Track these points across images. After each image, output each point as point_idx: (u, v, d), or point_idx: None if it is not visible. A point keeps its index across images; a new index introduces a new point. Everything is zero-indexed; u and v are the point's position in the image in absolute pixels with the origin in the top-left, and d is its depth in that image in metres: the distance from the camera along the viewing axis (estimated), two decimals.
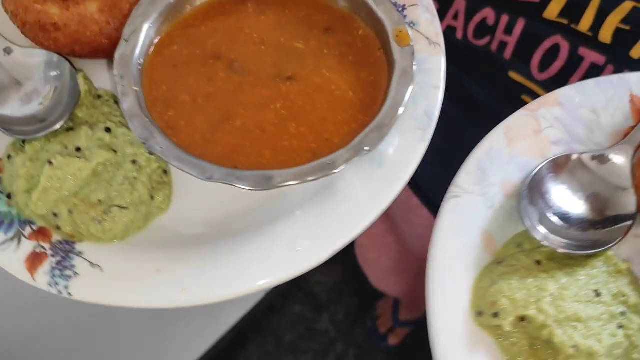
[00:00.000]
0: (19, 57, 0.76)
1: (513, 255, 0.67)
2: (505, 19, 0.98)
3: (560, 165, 0.70)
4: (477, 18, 1.02)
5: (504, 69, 1.04)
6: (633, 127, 0.73)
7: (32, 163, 0.70)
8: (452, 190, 0.69)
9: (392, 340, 2.33)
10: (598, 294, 0.64)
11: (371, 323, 2.39)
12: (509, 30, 0.99)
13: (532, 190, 0.69)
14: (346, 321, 2.38)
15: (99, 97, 0.77)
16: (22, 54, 0.77)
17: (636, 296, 0.65)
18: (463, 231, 0.68)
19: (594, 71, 0.94)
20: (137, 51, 0.70)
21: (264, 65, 0.71)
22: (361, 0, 0.72)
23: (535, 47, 0.98)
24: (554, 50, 0.96)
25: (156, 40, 0.72)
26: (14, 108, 0.74)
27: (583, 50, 0.93)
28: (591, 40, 0.92)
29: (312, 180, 0.61)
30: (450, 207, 0.68)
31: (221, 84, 0.70)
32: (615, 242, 0.66)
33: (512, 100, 1.05)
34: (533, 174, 0.70)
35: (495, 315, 0.63)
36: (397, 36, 0.69)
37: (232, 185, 0.61)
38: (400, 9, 0.77)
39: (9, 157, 0.72)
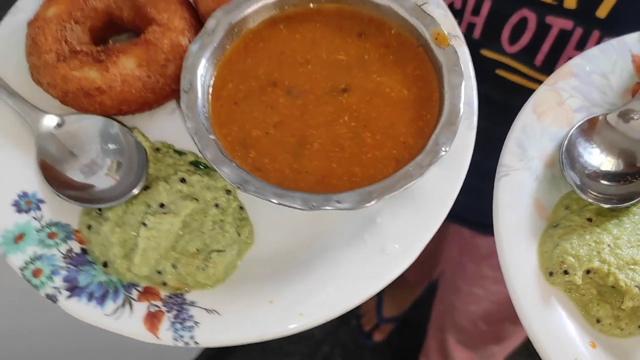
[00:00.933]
0: (71, 127, 0.77)
1: (565, 217, 0.76)
2: (472, 0, 1.03)
3: (586, 129, 0.79)
4: (444, 2, 1.08)
5: (475, 47, 1.09)
6: (639, 83, 0.83)
7: (121, 228, 0.72)
8: (501, 170, 0.76)
9: (377, 337, 2.43)
10: None
11: (356, 322, 2.46)
12: (476, 11, 1.04)
13: (569, 156, 0.77)
14: (331, 321, 2.47)
15: (158, 149, 0.79)
16: (73, 123, 0.77)
17: None
18: (518, 204, 0.75)
19: (564, 36, 1.01)
20: (200, 100, 0.72)
21: (317, 83, 0.75)
22: (390, 9, 0.77)
23: (503, 23, 1.04)
24: (522, 23, 1.03)
25: (211, 84, 0.75)
26: (78, 180, 0.75)
27: (550, 19, 1.00)
28: (557, 8, 0.98)
29: (404, 189, 0.67)
30: (502, 185, 0.75)
31: (285, 110, 0.73)
32: None
33: (486, 75, 1.12)
34: (566, 141, 0.78)
35: (566, 272, 0.71)
36: (435, 38, 0.74)
37: (335, 209, 0.66)
38: None
39: (89, 227, 0.74)
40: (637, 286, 0.70)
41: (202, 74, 0.73)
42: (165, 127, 0.82)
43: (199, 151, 0.68)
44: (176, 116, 0.83)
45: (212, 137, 0.70)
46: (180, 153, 0.78)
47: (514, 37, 1.05)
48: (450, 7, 1.04)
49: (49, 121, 0.77)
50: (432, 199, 0.73)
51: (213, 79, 0.75)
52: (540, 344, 0.68)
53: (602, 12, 0.96)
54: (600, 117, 0.80)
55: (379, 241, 0.72)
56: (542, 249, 0.74)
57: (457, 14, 1.05)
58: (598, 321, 0.71)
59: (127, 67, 0.77)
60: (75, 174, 0.75)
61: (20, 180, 0.76)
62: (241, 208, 0.76)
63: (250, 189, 0.66)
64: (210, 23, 0.75)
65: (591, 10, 0.97)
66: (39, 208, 0.75)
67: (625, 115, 0.79)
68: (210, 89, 0.74)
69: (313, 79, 0.75)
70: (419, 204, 0.73)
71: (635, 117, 0.79)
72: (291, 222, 0.77)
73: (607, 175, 0.78)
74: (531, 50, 1.06)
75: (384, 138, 0.71)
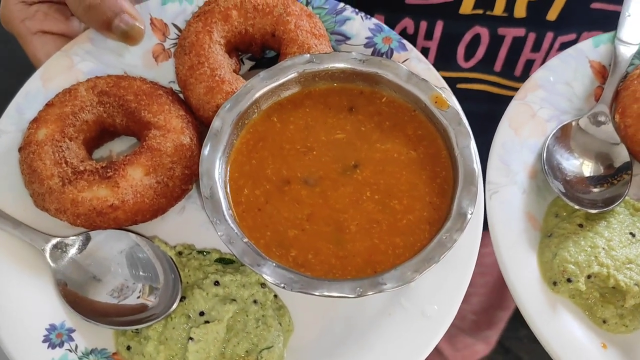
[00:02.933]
0: (92, 251, 0.75)
1: (557, 225, 0.81)
2: (424, 25, 1.06)
3: (560, 137, 0.84)
4: (397, 30, 1.07)
5: None
6: (600, 87, 0.89)
7: (165, 345, 0.71)
8: (490, 187, 0.80)
9: None
10: (633, 235, 0.80)
11: None
12: (429, 35, 1.07)
13: (550, 165, 0.82)
14: None
15: (180, 253, 0.78)
16: (94, 247, 0.75)
17: None
18: (511, 219, 0.79)
19: (518, 43, 1.06)
20: (223, 205, 0.72)
21: (328, 166, 0.76)
22: (383, 79, 0.79)
23: (457, 42, 1.07)
24: (475, 39, 1.07)
25: (229, 189, 0.75)
26: (109, 304, 0.73)
27: (502, 30, 1.05)
28: (507, 19, 1.03)
29: (443, 257, 0.70)
30: (494, 203, 0.80)
31: (311, 202, 0.74)
32: (627, 189, 0.81)
33: None
34: (545, 151, 0.82)
35: (569, 280, 0.75)
36: (435, 102, 0.78)
37: (383, 292, 0.68)
38: None
39: (128, 347, 0.72)
40: (636, 284, 0.75)
41: (219, 177, 0.73)
42: (178, 228, 0.82)
43: (237, 258, 0.69)
44: (186, 214, 0.83)
45: (245, 240, 0.70)
46: (203, 253, 0.78)
47: (469, 54, 1.09)
48: (403, 33, 1.07)
49: (63, 246, 0.75)
50: (458, 257, 0.76)
51: (229, 183, 0.75)
52: (555, 353, 0.72)
53: (552, 15, 1.02)
54: (572, 124, 0.86)
55: (418, 305, 0.75)
56: (542, 259, 0.78)
57: (410, 39, 1.08)
58: (604, 322, 0.77)
59: (136, 177, 0.76)
60: (103, 298, 0.73)
61: (45, 312, 0.74)
62: (275, 296, 0.76)
63: (295, 287, 0.67)
64: (216, 124, 0.75)
65: (541, 15, 1.02)
66: (71, 338, 0.73)
67: (595, 119, 0.86)
68: (229, 193, 0.74)
69: (322, 163, 0.76)
70: (448, 264, 0.76)
71: (604, 120, 0.86)
72: (324, 299, 0.78)
73: (589, 180, 0.84)
74: (488, 61, 1.10)
75: (411, 201, 0.74)
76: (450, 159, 0.76)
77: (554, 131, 0.85)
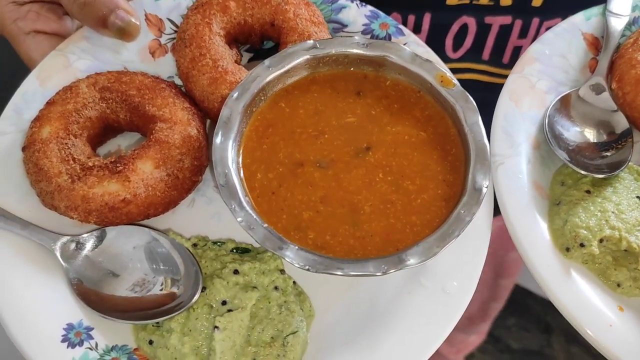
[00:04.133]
0: (109, 247, 0.74)
1: (564, 192, 0.82)
2: (412, 18, 1.07)
3: (559, 108, 0.86)
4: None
5: None
6: (594, 59, 0.92)
7: (190, 336, 0.70)
8: (495, 159, 0.81)
9: None
10: (639, 198, 0.82)
11: None
12: (417, 28, 1.08)
13: (552, 134, 0.84)
14: None
15: (195, 245, 0.77)
16: (108, 243, 0.74)
17: None
18: (519, 189, 0.80)
19: (505, 30, 1.09)
20: (240, 192, 0.71)
21: (341, 149, 0.77)
22: (387, 61, 0.80)
23: (445, 33, 1.09)
24: (463, 29, 1.09)
25: (242, 175, 0.75)
26: (129, 298, 0.72)
27: (489, 19, 1.08)
28: (494, 8, 1.06)
29: (463, 231, 0.71)
30: (501, 174, 0.80)
31: (324, 184, 0.74)
32: (630, 155, 0.83)
33: None
34: (546, 121, 0.84)
35: (582, 245, 0.76)
36: (441, 81, 0.79)
37: (408, 268, 0.68)
38: None
39: (151, 342, 0.71)
40: None
41: (232, 164, 0.73)
42: (190, 220, 0.81)
43: (259, 243, 0.68)
44: (196, 207, 0.82)
45: (264, 225, 0.70)
46: (218, 243, 0.77)
47: (457, 44, 1.11)
48: None
49: (76, 244, 0.73)
50: (473, 231, 0.77)
51: (241, 169, 0.75)
52: (574, 319, 0.73)
53: (537, 1, 1.05)
54: (572, 94, 0.88)
55: (438, 282, 0.76)
56: (552, 227, 0.80)
57: None
58: (618, 285, 0.78)
59: (146, 171, 0.75)
60: (123, 293, 0.72)
61: (61, 312, 0.72)
62: (294, 283, 0.76)
63: (320, 268, 0.67)
64: (225, 112, 0.75)
65: (526, 2, 1.05)
66: (90, 337, 0.71)
67: (593, 88, 0.88)
68: (244, 179, 0.74)
69: (335, 146, 0.77)
70: (462, 239, 0.76)
71: (602, 90, 0.88)
72: (343, 282, 0.78)
73: (592, 146, 0.85)
74: (476, 50, 1.12)
75: (424, 180, 0.75)
76: (459, 136, 0.77)
77: (554, 102, 0.87)
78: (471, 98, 0.78)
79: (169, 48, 0.90)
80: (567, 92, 0.88)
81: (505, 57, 1.14)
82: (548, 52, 0.91)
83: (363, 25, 0.92)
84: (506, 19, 1.07)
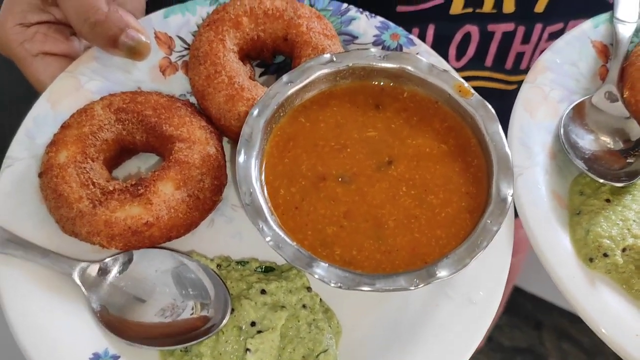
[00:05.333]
0: (133, 272, 0.72)
1: (583, 202, 0.82)
2: (415, 31, 1.07)
3: (573, 116, 0.86)
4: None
5: None
6: (604, 66, 0.92)
7: None
8: (514, 171, 0.78)
9: None
10: None
11: None
12: (421, 39, 1.05)
13: (569, 144, 0.83)
14: None
15: (219, 266, 0.76)
16: (135, 267, 0.72)
17: None
18: (539, 199, 0.80)
19: (508, 37, 1.09)
20: (266, 210, 0.71)
21: (363, 163, 0.76)
22: (404, 73, 0.80)
23: (448, 44, 1.09)
24: (466, 37, 1.09)
25: (266, 193, 0.74)
26: (157, 324, 0.71)
27: (492, 27, 1.08)
28: (496, 15, 1.06)
29: (491, 241, 0.70)
30: (520, 185, 0.80)
31: (346, 199, 0.74)
32: None
33: None
34: (562, 130, 0.84)
35: (605, 255, 0.76)
36: (459, 91, 0.79)
37: (439, 280, 0.68)
38: None
39: None
40: None
41: (256, 183, 0.72)
42: (211, 241, 0.80)
43: (289, 262, 0.68)
44: (216, 227, 0.81)
45: (293, 244, 0.69)
46: (242, 263, 0.76)
47: (460, 53, 1.11)
48: None
49: (97, 271, 0.72)
50: (496, 240, 0.76)
51: (265, 186, 0.74)
52: (600, 330, 0.72)
53: (539, 7, 1.05)
54: (585, 102, 0.88)
55: (464, 293, 0.75)
56: (574, 237, 0.79)
57: None
58: None
59: (167, 192, 0.74)
60: (151, 319, 0.70)
61: (86, 341, 0.71)
62: (321, 300, 0.76)
63: (352, 285, 0.67)
64: (246, 130, 0.74)
65: (529, 8, 1.05)
66: None
67: (606, 96, 0.88)
68: (268, 197, 0.73)
69: (357, 160, 0.76)
70: (485, 250, 0.76)
71: (615, 97, 0.88)
72: (368, 297, 0.78)
73: (609, 154, 0.85)
74: (479, 58, 1.12)
75: (447, 194, 0.75)
76: (480, 146, 0.77)
77: (567, 111, 0.87)
78: (490, 106, 0.78)
79: (180, 66, 0.89)
80: (580, 100, 0.88)
81: (508, 63, 1.14)
82: (559, 61, 0.91)
83: (374, 36, 0.91)
84: (509, 26, 1.08)
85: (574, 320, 2.23)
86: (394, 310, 0.77)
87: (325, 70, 0.80)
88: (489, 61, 1.13)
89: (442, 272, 0.68)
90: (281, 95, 0.77)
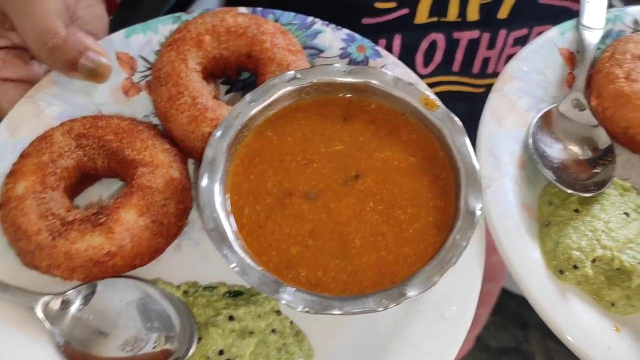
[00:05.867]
0: (97, 303, 0.70)
1: (552, 213, 0.81)
2: (382, 42, 1.07)
3: (542, 125, 0.85)
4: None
5: None
6: (571, 74, 0.91)
7: None
8: (482, 182, 0.77)
9: None
10: (627, 214, 0.81)
11: None
12: (388, 50, 1.06)
13: (538, 154, 0.82)
14: None
15: (186, 292, 0.74)
16: (98, 298, 0.70)
17: None
18: (508, 211, 0.79)
19: (473, 44, 1.10)
20: (230, 235, 0.69)
21: (329, 178, 0.75)
22: (369, 87, 0.78)
23: (415, 52, 1.09)
24: (432, 45, 1.09)
25: (231, 218, 0.72)
26: (119, 359, 0.69)
27: (457, 34, 1.08)
28: (461, 24, 1.07)
29: (460, 257, 0.69)
30: (489, 197, 0.79)
31: (312, 216, 0.72)
32: (614, 171, 0.83)
33: None
34: (530, 140, 0.83)
35: (575, 267, 0.75)
36: (425, 104, 0.77)
37: (409, 300, 0.66)
38: None
39: None
40: (639, 263, 0.76)
41: (220, 207, 0.70)
42: (177, 267, 0.78)
43: (255, 288, 0.66)
44: (183, 251, 0.79)
45: (259, 269, 0.67)
46: (209, 289, 0.75)
47: (427, 60, 1.11)
48: None
49: (60, 304, 0.70)
50: (467, 254, 0.75)
51: (230, 208, 0.72)
52: (572, 343, 0.72)
53: (502, 14, 1.06)
54: (553, 110, 0.87)
55: (436, 309, 0.74)
56: (544, 249, 0.78)
57: None
58: (612, 305, 0.77)
59: (130, 220, 0.72)
60: (114, 353, 0.68)
61: None
62: (291, 322, 0.74)
63: (320, 309, 0.65)
64: (209, 153, 0.72)
65: (493, 15, 1.05)
66: None
67: (573, 104, 0.87)
68: (233, 221, 0.71)
69: (323, 175, 0.75)
70: (457, 264, 0.74)
71: (582, 105, 0.88)
72: (340, 317, 0.76)
73: (577, 164, 0.84)
74: (446, 64, 1.12)
75: (415, 209, 0.73)
76: (447, 158, 0.76)
77: (535, 120, 0.86)
78: (457, 119, 0.76)
79: (143, 86, 0.87)
80: (547, 109, 0.87)
81: (475, 67, 1.14)
82: (526, 69, 0.90)
83: (340, 49, 0.90)
84: (474, 34, 1.08)
85: None
86: (366, 329, 0.76)
87: (289, 88, 0.78)
88: (456, 67, 1.13)
89: (411, 292, 0.66)
90: (244, 115, 0.76)
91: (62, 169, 0.75)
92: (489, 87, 1.13)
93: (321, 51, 0.90)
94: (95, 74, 0.81)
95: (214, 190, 0.71)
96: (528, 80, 0.89)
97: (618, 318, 0.77)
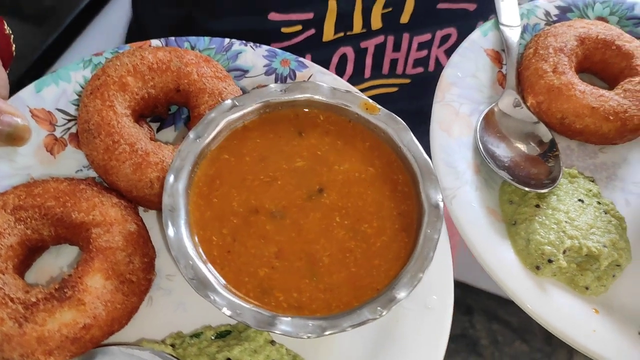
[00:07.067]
0: None
1: (515, 211, 0.84)
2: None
3: (485, 127, 0.88)
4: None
5: None
6: (500, 72, 0.96)
7: None
8: (446, 194, 0.82)
9: None
10: (582, 201, 0.86)
11: None
12: None
13: (489, 155, 0.86)
14: None
15: (173, 345, 0.72)
16: None
17: (592, 185, 0.89)
18: (476, 217, 0.82)
19: (380, 47, 1.14)
20: (211, 278, 0.67)
21: (293, 194, 0.74)
22: (310, 101, 0.79)
23: (327, 66, 1.11)
24: (342, 58, 1.13)
25: (196, 239, 0.70)
26: None
27: (364, 43, 1.13)
28: (367, 34, 1.11)
29: (435, 252, 0.72)
30: (456, 207, 0.81)
31: (279, 236, 0.72)
32: (561, 162, 0.87)
33: None
34: (479, 144, 0.86)
35: (550, 261, 0.79)
36: (366, 108, 0.79)
37: (399, 302, 0.68)
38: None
39: None
40: (604, 246, 0.81)
41: (193, 252, 0.68)
42: (155, 320, 0.75)
43: (255, 327, 0.65)
44: (157, 303, 0.76)
45: (250, 306, 0.67)
46: (196, 335, 0.73)
47: (340, 72, 1.14)
48: None
49: None
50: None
51: (199, 246, 0.70)
52: (560, 331, 0.76)
53: (404, 18, 1.11)
54: (493, 110, 0.90)
55: (419, 302, 0.77)
56: (517, 248, 0.82)
57: None
58: (587, 288, 0.82)
59: (98, 286, 0.68)
60: None
61: None
62: (287, 349, 0.74)
63: (320, 332, 0.66)
64: (167, 200, 0.70)
65: (395, 22, 1.10)
66: None
67: (512, 102, 0.91)
68: (196, 241, 0.70)
69: (286, 191, 0.74)
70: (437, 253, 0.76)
71: (518, 103, 0.92)
72: (338, 341, 0.76)
73: (527, 160, 0.88)
74: (358, 73, 1.16)
75: (381, 221, 0.74)
76: (400, 159, 0.78)
77: (479, 122, 0.88)
78: (399, 118, 0.79)
79: (68, 140, 0.82)
80: (487, 110, 0.90)
81: (384, 69, 1.19)
82: (460, 75, 0.93)
83: (264, 66, 0.90)
84: (379, 39, 1.13)
85: (502, 303, 2.37)
86: (358, 337, 0.77)
87: (230, 117, 0.77)
88: (367, 73, 1.17)
89: (401, 294, 0.68)
90: (193, 154, 0.74)
91: (6, 249, 0.70)
92: (402, 87, 1.18)
93: (246, 71, 0.89)
94: (14, 138, 0.75)
95: (183, 237, 0.69)
96: (465, 86, 0.92)
97: (593, 300, 0.81)
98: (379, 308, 0.67)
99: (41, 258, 0.76)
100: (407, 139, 0.77)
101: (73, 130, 0.83)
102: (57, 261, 0.77)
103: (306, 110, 0.80)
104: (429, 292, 0.78)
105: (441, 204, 0.73)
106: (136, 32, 1.35)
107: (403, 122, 0.78)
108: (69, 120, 0.83)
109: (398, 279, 0.70)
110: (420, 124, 0.90)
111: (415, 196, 0.75)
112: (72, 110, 0.83)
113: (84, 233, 0.71)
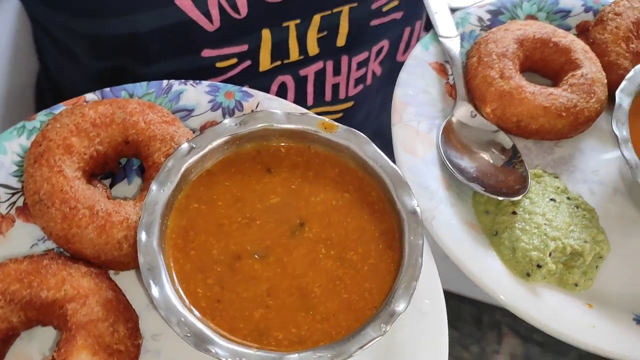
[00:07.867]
0: None
1: (494, 221, 0.85)
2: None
3: (446, 141, 0.88)
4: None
5: None
6: (447, 83, 0.96)
7: None
8: (425, 216, 0.81)
9: None
10: (553, 200, 0.87)
11: None
12: None
13: (456, 168, 0.86)
14: None
15: None
16: None
17: (558, 181, 0.90)
18: (458, 234, 0.82)
19: (320, 74, 1.14)
20: (206, 330, 0.64)
21: (275, 231, 0.73)
22: (267, 130, 0.77)
23: None
24: (282, 87, 1.12)
25: (188, 304, 0.67)
26: None
27: (303, 71, 1.12)
28: (304, 60, 1.10)
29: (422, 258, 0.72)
30: (437, 228, 0.81)
31: (267, 276, 0.70)
32: (526, 165, 0.88)
33: None
34: (445, 159, 0.86)
35: (539, 266, 0.80)
36: (325, 128, 0.78)
37: (400, 315, 0.68)
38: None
39: None
40: (585, 241, 0.83)
41: (182, 308, 0.65)
42: None
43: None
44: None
45: (252, 351, 0.64)
46: None
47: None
48: None
49: None
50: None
51: (170, 269, 0.68)
52: (567, 335, 0.77)
53: (340, 41, 1.11)
54: (449, 122, 0.90)
55: (413, 308, 0.76)
56: (503, 258, 0.83)
57: None
58: (576, 285, 0.83)
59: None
60: None
61: None
62: None
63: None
64: (143, 259, 0.66)
65: (332, 45, 1.10)
66: None
67: (466, 112, 0.92)
68: (179, 288, 0.67)
69: (268, 230, 0.72)
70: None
71: (472, 113, 0.93)
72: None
73: (494, 169, 0.88)
74: (300, 100, 1.16)
75: (365, 247, 0.73)
76: (369, 175, 0.77)
77: (439, 137, 0.88)
78: (358, 131, 0.79)
79: (15, 215, 0.77)
80: (444, 123, 0.89)
81: (326, 95, 1.19)
82: (412, 93, 0.92)
83: (209, 102, 0.87)
84: (318, 65, 1.12)
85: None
86: (361, 354, 0.76)
87: (190, 161, 0.74)
88: (310, 100, 1.17)
89: (400, 306, 0.68)
90: (160, 206, 0.71)
91: None
92: (346, 112, 1.18)
93: (191, 110, 0.87)
94: None
95: (168, 294, 0.66)
96: (418, 103, 0.92)
97: (583, 295, 0.83)
98: (382, 325, 0.67)
99: (13, 346, 0.70)
100: (370, 151, 0.77)
101: (19, 203, 0.77)
102: (30, 346, 0.71)
103: (265, 143, 0.78)
104: (420, 297, 0.78)
105: (418, 209, 0.74)
106: (50, 90, 1.29)
107: (363, 135, 0.78)
108: (14, 194, 0.77)
109: (393, 292, 0.69)
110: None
111: (392, 211, 0.75)
112: (14, 182, 0.78)
113: (58, 311, 0.67)
